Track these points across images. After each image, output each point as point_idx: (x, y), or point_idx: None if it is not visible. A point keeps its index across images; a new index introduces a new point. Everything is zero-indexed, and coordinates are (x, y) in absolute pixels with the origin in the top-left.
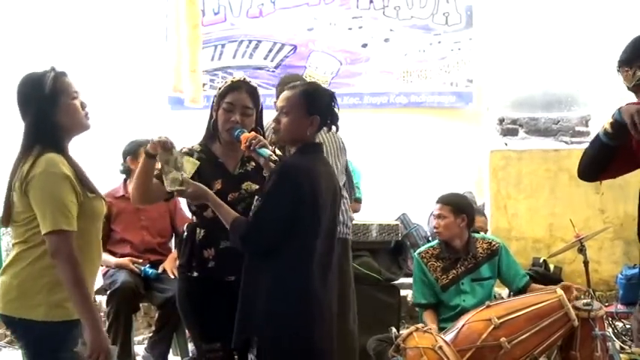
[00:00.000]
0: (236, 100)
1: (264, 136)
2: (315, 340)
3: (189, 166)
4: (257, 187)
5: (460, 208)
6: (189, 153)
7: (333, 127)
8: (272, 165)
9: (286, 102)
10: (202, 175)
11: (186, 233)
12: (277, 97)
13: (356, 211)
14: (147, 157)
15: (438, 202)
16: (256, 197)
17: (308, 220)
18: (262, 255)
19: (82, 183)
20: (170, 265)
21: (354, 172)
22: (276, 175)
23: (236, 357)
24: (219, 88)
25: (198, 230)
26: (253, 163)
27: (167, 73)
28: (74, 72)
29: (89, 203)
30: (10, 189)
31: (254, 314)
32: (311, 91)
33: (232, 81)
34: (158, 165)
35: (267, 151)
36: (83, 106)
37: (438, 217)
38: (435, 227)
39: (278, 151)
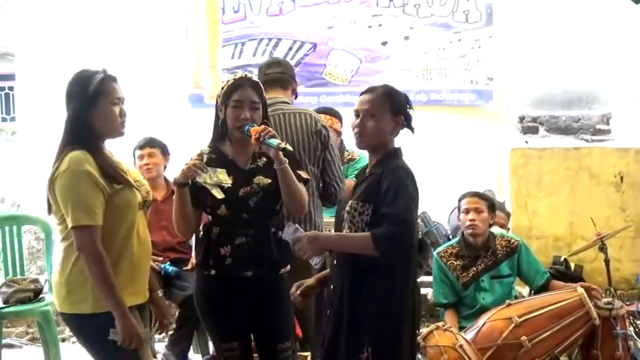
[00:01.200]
0: (243, 96)
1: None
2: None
3: (223, 176)
4: (269, 181)
5: (493, 205)
6: (200, 158)
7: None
8: (282, 155)
9: (370, 104)
10: None
11: (202, 232)
12: (262, 84)
13: None
14: (180, 188)
15: (473, 195)
16: (357, 202)
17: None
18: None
19: (108, 177)
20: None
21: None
22: (393, 176)
23: (255, 355)
24: (222, 88)
25: (213, 228)
26: (264, 159)
27: (187, 71)
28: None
29: (118, 195)
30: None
31: (366, 321)
32: (393, 91)
33: (234, 79)
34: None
35: (276, 141)
36: (122, 113)
37: (475, 210)
38: (471, 220)
39: (289, 146)
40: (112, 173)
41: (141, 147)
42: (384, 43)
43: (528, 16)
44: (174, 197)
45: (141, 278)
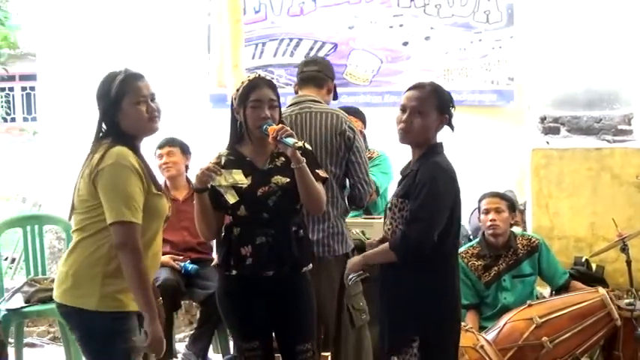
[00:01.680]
0: (261, 95)
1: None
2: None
3: (239, 177)
4: (287, 180)
5: (514, 205)
6: (218, 160)
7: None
8: (299, 154)
9: (418, 101)
10: None
11: (223, 233)
12: (298, 81)
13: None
14: (198, 193)
15: (493, 196)
16: (397, 198)
17: (458, 217)
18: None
19: (150, 179)
20: None
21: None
22: (424, 174)
23: (278, 356)
24: (237, 90)
25: (234, 229)
26: (283, 158)
27: (208, 71)
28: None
29: (153, 200)
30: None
31: (411, 316)
32: (440, 90)
33: (249, 80)
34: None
35: (292, 140)
36: (149, 110)
37: (496, 210)
38: (491, 221)
39: (307, 145)
40: (153, 177)
41: (160, 146)
42: (405, 44)
43: (549, 16)
44: (194, 202)
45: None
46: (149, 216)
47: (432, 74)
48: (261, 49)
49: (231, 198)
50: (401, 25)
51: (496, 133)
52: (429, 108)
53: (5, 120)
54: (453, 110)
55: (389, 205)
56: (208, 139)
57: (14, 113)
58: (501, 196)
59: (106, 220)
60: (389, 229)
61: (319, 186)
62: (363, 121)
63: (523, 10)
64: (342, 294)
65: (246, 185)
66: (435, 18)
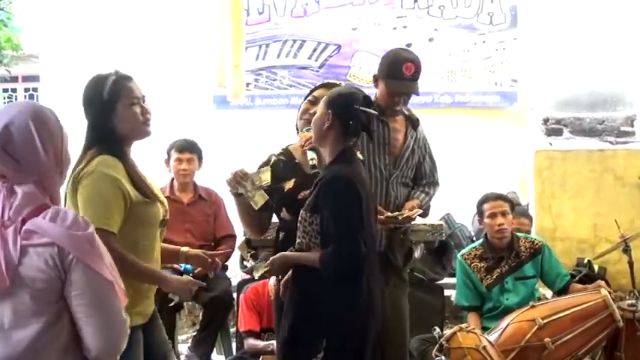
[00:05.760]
0: (322, 96)
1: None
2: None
3: (265, 176)
4: None
5: (513, 205)
6: (267, 162)
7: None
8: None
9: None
10: (276, 175)
11: (274, 236)
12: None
13: None
14: (236, 198)
15: (496, 199)
16: (305, 212)
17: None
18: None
19: (136, 187)
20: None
21: None
22: (328, 190)
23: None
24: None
25: (280, 233)
26: None
27: (211, 72)
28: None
29: (140, 207)
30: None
31: (318, 318)
32: (341, 87)
33: (328, 82)
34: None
35: (311, 154)
36: (144, 112)
37: (502, 214)
38: (499, 225)
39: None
40: (140, 184)
41: (181, 150)
42: (409, 45)
43: (553, 18)
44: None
45: (147, 299)
46: (138, 224)
47: (435, 76)
48: (265, 50)
49: (260, 200)
50: (404, 27)
51: (499, 135)
52: (322, 102)
53: None
54: (360, 112)
55: (299, 219)
56: (211, 140)
57: None
58: (504, 198)
59: None
60: (302, 242)
61: None
62: None
63: (527, 11)
64: None
65: (268, 184)
66: (439, 19)
